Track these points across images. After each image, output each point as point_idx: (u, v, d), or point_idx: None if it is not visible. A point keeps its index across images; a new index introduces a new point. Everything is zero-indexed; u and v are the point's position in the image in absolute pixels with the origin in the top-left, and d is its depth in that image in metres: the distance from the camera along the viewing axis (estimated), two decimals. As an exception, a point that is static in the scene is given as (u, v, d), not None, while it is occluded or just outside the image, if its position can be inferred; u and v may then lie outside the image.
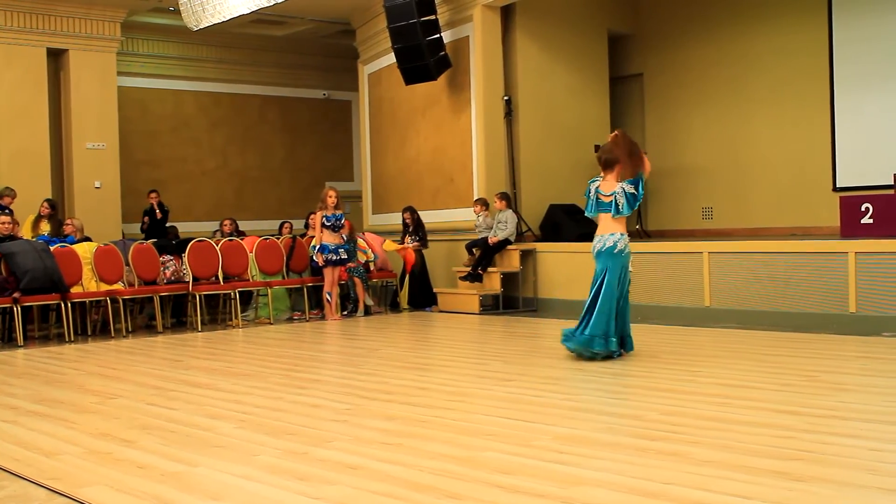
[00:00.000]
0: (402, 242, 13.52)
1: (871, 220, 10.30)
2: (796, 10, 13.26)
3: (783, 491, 3.79)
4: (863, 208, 10.39)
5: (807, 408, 5.47)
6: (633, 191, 7.60)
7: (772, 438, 4.71)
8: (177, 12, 14.74)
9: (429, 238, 13.48)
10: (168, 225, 15.33)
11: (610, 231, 7.70)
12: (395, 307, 13.65)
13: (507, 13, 13.69)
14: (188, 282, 11.87)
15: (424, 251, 13.46)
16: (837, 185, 12.74)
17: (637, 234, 14.30)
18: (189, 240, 12.33)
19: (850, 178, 12.66)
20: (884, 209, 10.23)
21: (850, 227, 10.45)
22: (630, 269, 7.84)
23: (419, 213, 13.59)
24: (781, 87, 13.40)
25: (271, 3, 13.52)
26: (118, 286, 11.47)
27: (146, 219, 15.28)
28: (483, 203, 12.90)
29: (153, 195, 15.28)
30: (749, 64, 13.77)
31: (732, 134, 13.90)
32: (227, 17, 14.05)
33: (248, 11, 13.86)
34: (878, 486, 3.82)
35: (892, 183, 10.37)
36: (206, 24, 14.34)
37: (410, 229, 13.44)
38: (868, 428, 4.92)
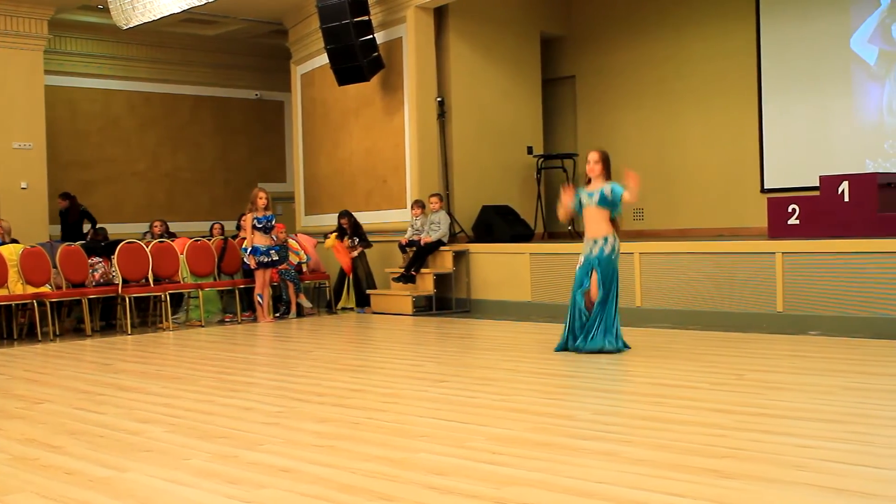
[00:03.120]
0: (332, 236, 13.46)
1: (797, 221, 10.50)
2: (725, 14, 13.46)
3: (715, 488, 3.84)
4: (790, 209, 10.58)
5: (737, 406, 5.55)
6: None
7: (704, 437, 4.77)
8: (106, 10, 14.53)
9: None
10: (98, 227, 15.11)
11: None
12: (330, 308, 13.60)
13: (440, 15, 13.71)
14: (117, 284, 11.69)
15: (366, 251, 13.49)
16: (765, 187, 12.95)
17: (569, 234, 14.40)
18: (118, 241, 12.14)
19: (777, 180, 12.89)
20: (810, 210, 10.43)
21: (778, 228, 10.64)
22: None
23: (354, 214, 13.58)
24: (711, 89, 13.60)
25: (202, 3, 13.38)
26: (45, 289, 11.26)
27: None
28: (421, 205, 12.90)
29: (63, 201, 15.21)
30: (679, 66, 13.95)
31: (663, 136, 14.07)
32: (158, 16, 13.88)
33: (179, 10, 13.71)
34: (807, 482, 3.88)
35: (818, 185, 10.55)
36: (136, 23, 14.16)
37: (349, 233, 13.40)
38: (797, 425, 5.00)
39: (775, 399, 5.80)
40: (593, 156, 8.00)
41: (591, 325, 7.88)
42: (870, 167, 11.92)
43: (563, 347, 8.08)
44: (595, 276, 7.88)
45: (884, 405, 5.43)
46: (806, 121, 12.67)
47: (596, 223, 7.95)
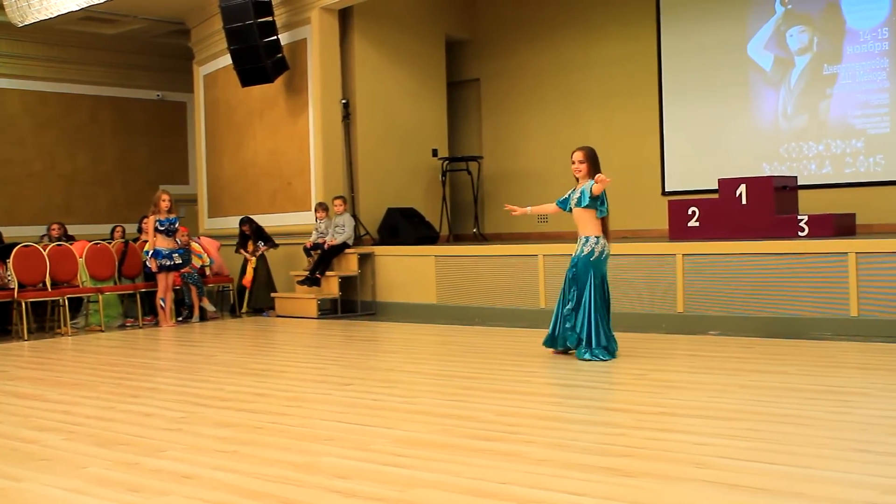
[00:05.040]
0: (245, 250, 13.35)
1: (697, 224, 10.73)
2: (627, 20, 13.69)
3: (615, 487, 3.91)
4: (690, 212, 10.81)
5: (637, 405, 5.65)
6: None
7: (603, 436, 4.86)
8: (0, 8, 14.15)
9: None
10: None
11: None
12: (233, 311, 13.47)
13: (344, 16, 13.67)
14: (13, 288, 11.40)
15: (266, 254, 13.39)
16: (666, 190, 13.20)
17: (473, 237, 14.49)
18: (14, 245, 11.84)
19: (677, 183, 13.15)
20: (709, 213, 10.67)
21: (678, 230, 10.86)
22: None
23: (256, 218, 13.48)
24: (613, 93, 13.82)
25: (101, 1, 13.13)
26: (-63, 294, 10.94)
27: None
28: (325, 208, 12.85)
29: None
30: (582, 70, 14.14)
31: (566, 139, 14.17)
32: (55, 14, 13.59)
33: (77, 8, 13.44)
34: (704, 479, 3.97)
35: (717, 188, 10.79)
36: (32, 21, 13.83)
37: (252, 239, 13.30)
38: (695, 423, 5.12)
39: (674, 398, 5.91)
40: (578, 155, 7.74)
41: (571, 331, 7.67)
42: (766, 170, 12.23)
43: (551, 343, 7.88)
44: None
45: (775, 402, 5.58)
46: (705, 125, 12.95)
47: (582, 223, 7.74)
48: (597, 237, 7.69)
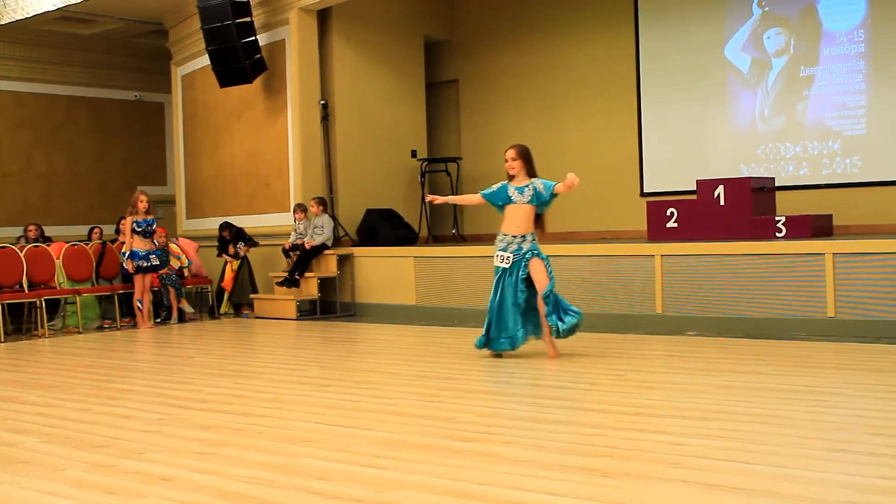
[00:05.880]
0: (226, 254, 13.31)
1: (675, 225, 10.78)
2: (605, 21, 13.73)
3: (593, 487, 3.92)
4: (668, 213, 10.86)
5: (615, 406, 5.67)
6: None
7: (583, 436, 4.87)
8: (-24, 7, 14.08)
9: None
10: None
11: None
12: (212, 313, 13.43)
13: (323, 17, 13.65)
14: (-10, 290, 11.34)
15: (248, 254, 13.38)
16: (645, 191, 13.25)
17: (452, 238, 14.50)
18: (-10, 246, 11.78)
19: (656, 184, 13.20)
20: (687, 214, 10.73)
21: (657, 231, 10.91)
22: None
23: (235, 219, 13.45)
24: (592, 94, 13.85)
25: (78, 1, 13.07)
26: (-88, 295, 10.85)
27: None
28: (303, 209, 12.83)
29: None
30: (561, 72, 14.18)
31: (545, 140, 14.21)
32: (31, 14, 13.53)
33: (54, 8, 13.38)
34: (682, 479, 3.99)
35: (695, 189, 10.85)
36: (8, 21, 13.77)
37: (233, 242, 13.28)
38: (672, 423, 5.13)
39: (653, 398, 5.94)
40: (510, 153, 7.80)
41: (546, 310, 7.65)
42: (744, 171, 12.30)
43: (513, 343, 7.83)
44: (540, 265, 7.69)
45: (752, 402, 5.61)
46: (683, 126, 13.00)
47: (525, 220, 7.75)
48: (532, 233, 7.81)
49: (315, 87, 13.48)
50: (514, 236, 7.79)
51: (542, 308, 7.63)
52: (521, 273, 7.71)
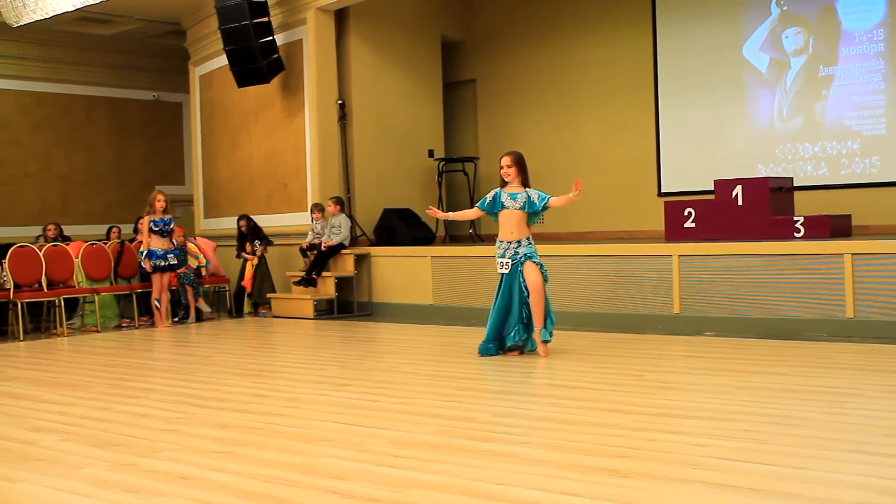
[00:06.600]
0: (245, 252, 13.34)
1: (693, 225, 10.74)
2: (623, 21, 13.69)
3: (613, 488, 3.91)
4: (685, 213, 10.82)
5: (634, 406, 5.66)
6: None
7: (601, 437, 4.85)
8: (-4, 8, 14.15)
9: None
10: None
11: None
12: (231, 313, 13.47)
13: (340, 17, 13.67)
14: (9, 289, 11.38)
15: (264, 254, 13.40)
16: (662, 191, 13.21)
17: (469, 238, 14.49)
18: (10, 245, 11.83)
19: (673, 184, 13.16)
20: (705, 214, 10.69)
21: (674, 231, 10.88)
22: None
23: (254, 218, 13.47)
24: (609, 94, 13.82)
25: (97, 1, 13.12)
26: (-68, 294, 10.92)
27: None
28: (320, 209, 12.85)
29: None
30: (578, 72, 14.15)
31: (562, 140, 14.24)
32: (50, 14, 13.57)
33: (73, 9, 13.42)
34: (701, 480, 3.98)
35: (713, 189, 10.81)
36: (28, 21, 13.81)
37: (248, 237, 13.30)
38: (692, 424, 5.12)
39: (671, 399, 5.93)
40: (506, 160, 7.98)
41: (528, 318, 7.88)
42: (762, 172, 12.25)
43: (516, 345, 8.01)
44: (534, 268, 7.78)
45: (771, 403, 5.59)
46: (701, 126, 12.96)
47: (518, 225, 7.90)
48: (528, 237, 7.96)
49: (332, 87, 13.50)
50: (510, 242, 7.96)
51: (534, 308, 7.79)
52: (521, 278, 7.88)
